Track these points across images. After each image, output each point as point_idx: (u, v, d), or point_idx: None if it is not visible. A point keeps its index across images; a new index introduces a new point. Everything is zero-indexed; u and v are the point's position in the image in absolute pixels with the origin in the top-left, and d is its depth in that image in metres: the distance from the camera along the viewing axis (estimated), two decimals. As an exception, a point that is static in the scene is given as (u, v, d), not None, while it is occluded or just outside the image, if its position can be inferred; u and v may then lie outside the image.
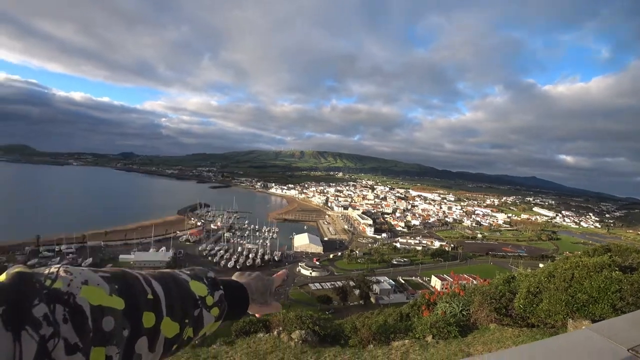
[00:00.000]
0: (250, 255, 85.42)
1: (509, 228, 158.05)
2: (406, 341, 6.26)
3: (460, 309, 7.25)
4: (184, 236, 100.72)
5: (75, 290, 0.45)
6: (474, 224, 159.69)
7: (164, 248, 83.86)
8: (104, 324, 0.45)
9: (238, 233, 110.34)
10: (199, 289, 0.67)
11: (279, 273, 1.13)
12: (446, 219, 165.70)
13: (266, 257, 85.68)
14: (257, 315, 0.99)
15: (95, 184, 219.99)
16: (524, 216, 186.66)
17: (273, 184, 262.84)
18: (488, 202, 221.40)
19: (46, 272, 0.46)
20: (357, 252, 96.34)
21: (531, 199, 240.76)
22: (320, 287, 66.58)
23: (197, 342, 0.70)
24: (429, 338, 6.28)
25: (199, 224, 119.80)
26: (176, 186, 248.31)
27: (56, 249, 76.45)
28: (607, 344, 2.16)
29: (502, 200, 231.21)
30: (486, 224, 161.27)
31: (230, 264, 79.70)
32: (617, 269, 5.32)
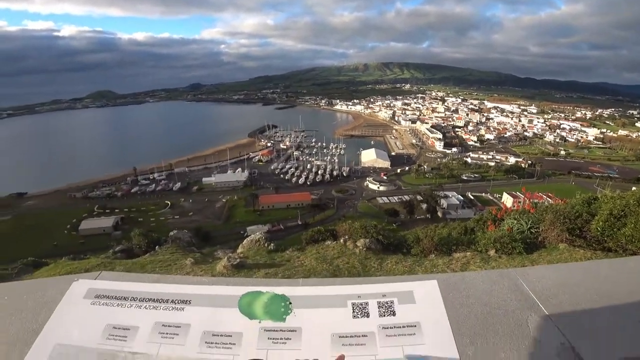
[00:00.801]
0: (319, 172, 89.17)
1: (601, 145, 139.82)
2: (468, 253, 6.37)
3: (528, 226, 7.06)
4: (256, 157, 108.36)
5: None
6: (557, 140, 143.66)
7: (239, 169, 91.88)
8: None
9: (306, 151, 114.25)
10: None
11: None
12: (525, 133, 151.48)
13: (334, 173, 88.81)
14: None
15: (171, 117, 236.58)
16: (622, 132, 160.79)
17: (337, 101, 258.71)
18: (578, 114, 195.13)
19: None
20: (425, 166, 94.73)
21: (635, 112, 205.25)
22: (388, 201, 68.27)
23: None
24: (492, 252, 6.32)
25: (268, 144, 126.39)
26: (243, 110, 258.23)
27: (150, 177, 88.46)
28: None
29: (597, 112, 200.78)
30: (572, 140, 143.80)
31: (301, 181, 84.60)
32: None
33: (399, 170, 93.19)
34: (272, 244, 7.58)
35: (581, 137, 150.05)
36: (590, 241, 6.00)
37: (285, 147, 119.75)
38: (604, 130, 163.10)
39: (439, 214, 59.70)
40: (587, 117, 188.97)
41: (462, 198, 67.98)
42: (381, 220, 49.87)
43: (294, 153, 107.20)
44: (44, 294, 1.81)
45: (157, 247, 8.75)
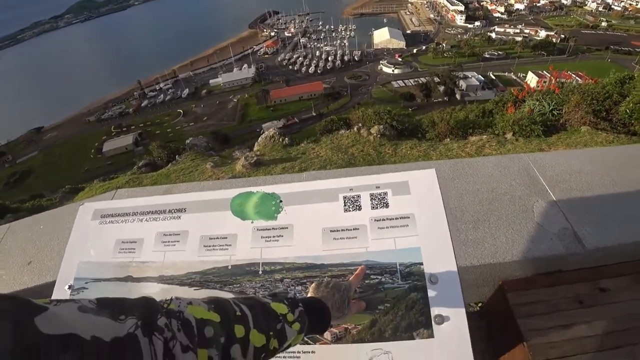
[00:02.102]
0: (330, 58, 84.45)
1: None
2: (484, 136, 6.33)
3: (551, 108, 6.79)
4: (261, 49, 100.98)
5: (183, 309, 0.62)
6: (600, 9, 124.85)
7: (245, 65, 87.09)
8: (206, 332, 0.61)
9: (314, 36, 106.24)
10: (279, 308, 0.80)
11: (355, 274, 1.10)
12: (562, 0, 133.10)
13: (346, 58, 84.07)
14: (343, 325, 1.06)
15: (162, 18, 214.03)
16: None
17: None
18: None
19: (162, 300, 0.64)
20: (444, 44, 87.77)
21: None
22: (403, 85, 65.98)
23: (286, 350, 0.84)
24: (509, 135, 6.25)
25: (272, 34, 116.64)
26: None
27: (157, 88, 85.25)
28: None
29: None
30: (619, 8, 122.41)
31: (311, 70, 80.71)
32: None
33: (415, 51, 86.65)
34: (286, 139, 7.67)
35: (630, 4, 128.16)
36: (616, 124, 5.76)
37: (290, 34, 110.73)
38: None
39: (457, 96, 57.75)
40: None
41: (482, 78, 64.48)
42: (397, 105, 49.51)
43: (301, 40, 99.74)
44: (69, 218, 1.96)
45: (176, 156, 9.03)
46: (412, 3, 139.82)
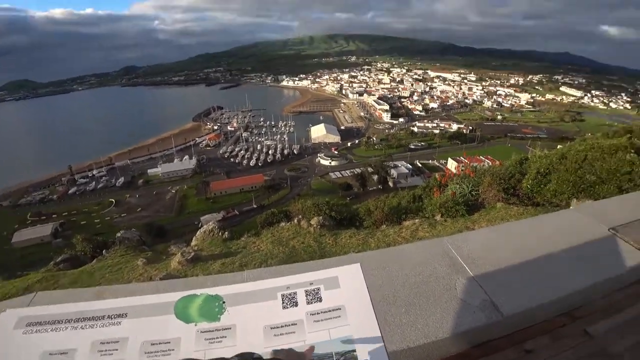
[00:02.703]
0: (270, 152, 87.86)
1: (532, 109, 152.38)
2: (416, 220, 6.73)
3: (469, 189, 7.56)
4: (204, 142, 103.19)
5: None
6: (494, 105, 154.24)
7: (187, 156, 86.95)
8: None
9: (255, 131, 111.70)
10: None
11: (307, 349, 1.17)
12: (466, 100, 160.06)
13: (285, 152, 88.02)
14: None
15: (105, 105, 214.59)
16: (549, 96, 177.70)
17: (284, 76, 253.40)
18: (512, 81, 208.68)
19: None
20: (375, 138, 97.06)
21: (559, 78, 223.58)
22: (340, 175, 69.31)
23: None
24: (438, 217, 6.73)
25: (215, 127, 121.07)
26: (186, 93, 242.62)
27: (89, 175, 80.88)
28: (590, 223, 2.34)
29: (528, 79, 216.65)
30: (507, 105, 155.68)
31: (252, 162, 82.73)
32: (633, 151, 5.24)
33: (349, 144, 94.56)
34: (226, 232, 7.44)
35: (515, 102, 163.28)
36: (523, 198, 6.58)
37: (233, 129, 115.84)
38: (534, 95, 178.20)
39: (390, 183, 61.94)
40: (520, 83, 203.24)
41: (410, 167, 70.95)
42: (335, 195, 51.28)
43: (243, 134, 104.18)
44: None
45: (104, 251, 8.18)
46: (344, 103, 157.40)
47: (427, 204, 7.72)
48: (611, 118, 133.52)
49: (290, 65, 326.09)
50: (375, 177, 63.38)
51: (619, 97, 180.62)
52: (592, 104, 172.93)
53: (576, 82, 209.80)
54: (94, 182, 76.30)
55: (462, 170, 11.38)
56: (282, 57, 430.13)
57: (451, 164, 64.20)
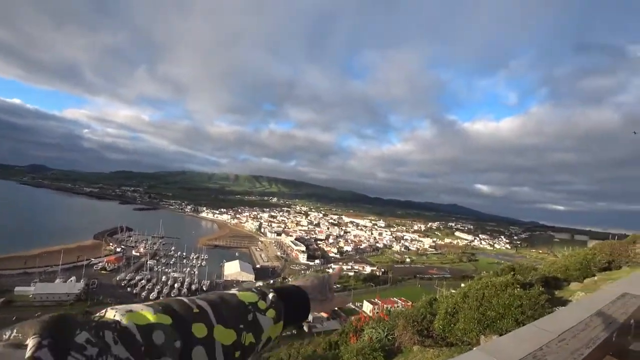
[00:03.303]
0: (176, 285, 79.52)
1: (435, 252, 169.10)
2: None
3: (385, 333, 7.35)
4: (100, 264, 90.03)
5: (120, 317, 0.52)
6: (402, 249, 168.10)
7: (73, 278, 73.21)
8: (155, 338, 0.51)
9: (163, 260, 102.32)
10: (247, 297, 0.68)
11: (334, 271, 1.11)
12: (377, 244, 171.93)
13: (193, 287, 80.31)
14: (324, 314, 0.98)
15: None
16: (447, 240, 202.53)
17: (204, 208, 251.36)
18: (415, 227, 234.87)
19: (97, 312, 0.55)
20: (290, 279, 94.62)
21: (453, 224, 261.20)
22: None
23: (268, 346, 0.67)
24: (356, 365, 6.23)
25: (118, 250, 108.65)
26: (95, 206, 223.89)
27: None
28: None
29: (428, 225, 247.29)
30: (414, 249, 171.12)
31: (153, 295, 72.84)
32: (518, 286, 5.87)
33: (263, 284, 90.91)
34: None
35: (420, 245, 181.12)
36: (436, 339, 6.53)
37: (138, 254, 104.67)
38: (435, 239, 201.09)
39: (305, 328, 58.37)
40: (422, 229, 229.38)
41: (326, 309, 68.86)
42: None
43: (148, 262, 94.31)
44: None
45: None
46: (262, 241, 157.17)
47: (343, 351, 7.27)
48: (497, 257, 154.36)
49: (213, 198, 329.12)
50: (290, 319, 59.59)
51: (499, 239, 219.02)
52: (481, 245, 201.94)
53: (466, 228, 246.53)
54: None
55: (376, 313, 11.33)
56: (206, 189, 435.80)
57: (367, 307, 63.84)
